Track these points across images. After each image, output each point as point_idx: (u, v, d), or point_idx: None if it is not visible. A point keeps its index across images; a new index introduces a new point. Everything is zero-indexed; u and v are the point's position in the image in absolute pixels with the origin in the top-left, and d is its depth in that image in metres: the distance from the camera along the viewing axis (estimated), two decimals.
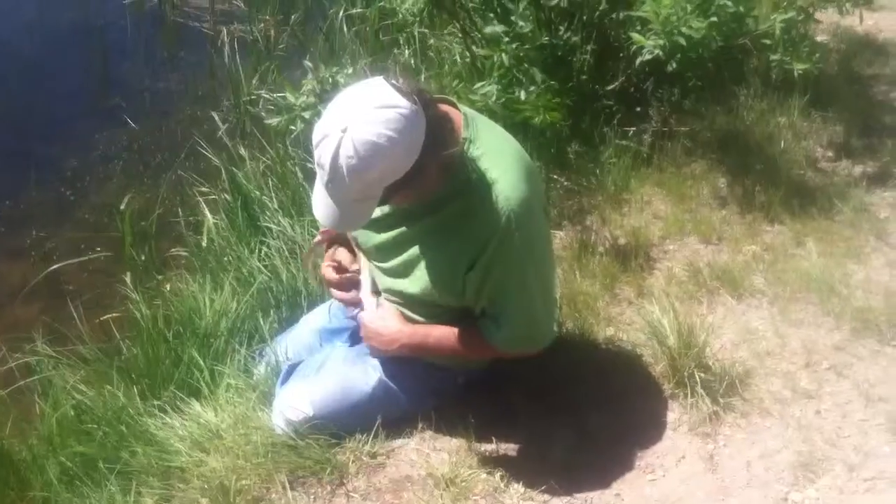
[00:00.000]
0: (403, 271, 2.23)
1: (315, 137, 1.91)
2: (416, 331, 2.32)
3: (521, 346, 2.28)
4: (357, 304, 2.42)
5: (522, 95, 3.29)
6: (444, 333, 2.29)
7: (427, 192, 2.08)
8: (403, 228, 2.20)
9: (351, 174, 1.87)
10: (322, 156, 1.89)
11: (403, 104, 1.88)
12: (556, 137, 3.53)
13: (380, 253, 2.28)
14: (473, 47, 3.87)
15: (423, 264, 2.19)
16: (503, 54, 3.33)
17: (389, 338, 2.34)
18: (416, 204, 2.13)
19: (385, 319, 2.34)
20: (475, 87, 3.37)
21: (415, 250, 2.20)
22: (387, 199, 2.01)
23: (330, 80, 3.49)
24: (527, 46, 3.43)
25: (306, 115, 3.43)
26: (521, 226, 2.07)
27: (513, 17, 3.48)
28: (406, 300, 2.30)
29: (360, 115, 1.86)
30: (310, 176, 2.53)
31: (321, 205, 1.99)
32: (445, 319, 2.29)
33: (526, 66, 3.39)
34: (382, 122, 1.86)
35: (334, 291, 2.46)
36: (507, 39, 3.43)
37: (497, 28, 3.48)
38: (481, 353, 2.36)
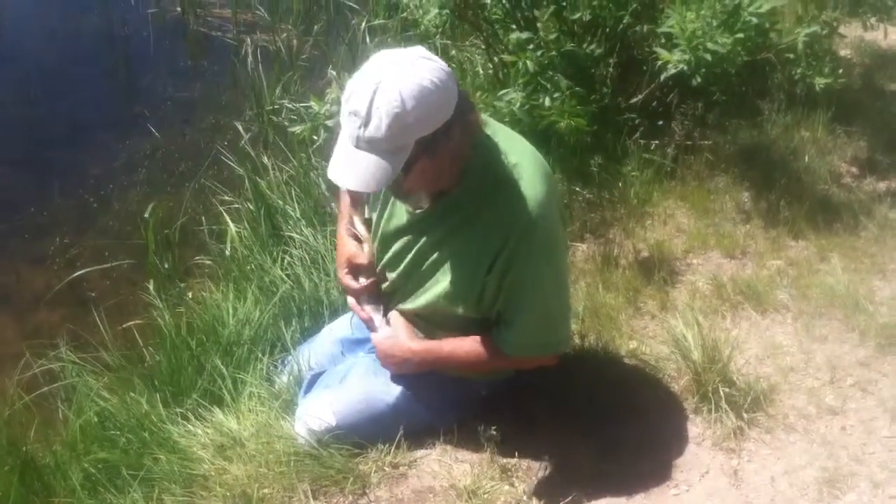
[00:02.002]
0: (422, 284, 2.24)
1: (352, 83, 1.88)
2: (427, 348, 2.32)
3: (535, 351, 2.27)
4: (370, 323, 2.40)
5: (547, 102, 3.29)
6: (455, 347, 2.29)
7: (443, 177, 2.05)
8: (422, 239, 2.20)
9: (389, 113, 1.83)
10: (361, 97, 1.85)
11: (441, 63, 1.91)
12: (578, 150, 3.53)
13: (397, 268, 2.27)
14: (496, 57, 3.88)
15: (442, 273, 2.19)
16: (527, 60, 3.33)
17: (401, 357, 2.35)
18: (431, 207, 2.11)
19: (395, 339, 2.35)
20: (500, 93, 3.37)
21: (433, 260, 2.20)
22: (412, 163, 1.93)
23: None
24: (552, 53, 3.43)
25: (330, 123, 3.45)
26: (540, 225, 2.07)
27: (538, 24, 3.49)
28: (425, 315, 2.30)
29: (405, 60, 1.87)
30: (333, 186, 2.53)
31: (343, 164, 1.92)
32: (462, 334, 2.28)
33: (550, 72, 3.40)
34: (425, 69, 1.87)
35: (352, 303, 2.44)
36: (531, 46, 3.43)
37: (522, 35, 3.48)
38: (494, 364, 2.32)
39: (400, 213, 2.23)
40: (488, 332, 2.26)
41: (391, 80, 1.84)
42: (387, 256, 2.30)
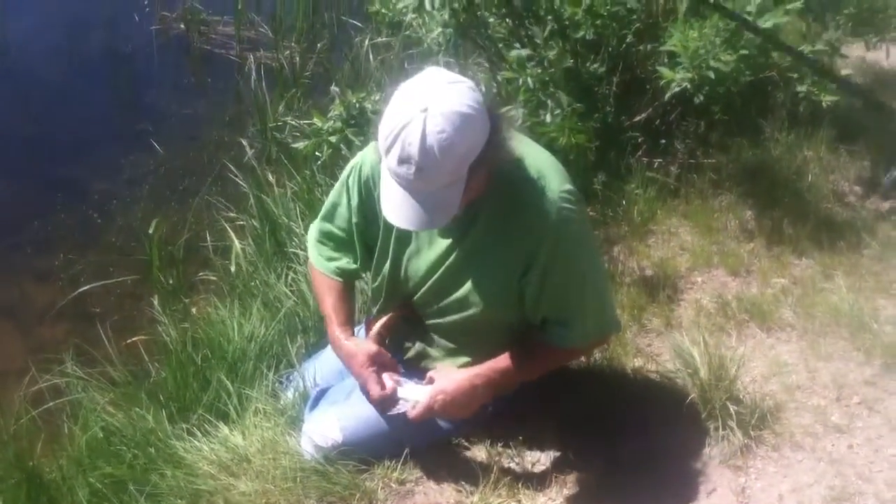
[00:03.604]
0: (452, 294, 2.23)
1: (391, 129, 1.86)
2: (485, 367, 2.24)
3: (592, 338, 2.29)
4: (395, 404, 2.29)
5: (548, 118, 3.31)
6: (509, 357, 2.24)
7: (483, 184, 2.04)
8: (450, 250, 2.19)
9: (443, 150, 1.84)
10: (409, 143, 1.84)
11: (466, 79, 1.92)
12: (581, 168, 3.54)
13: (424, 284, 2.26)
14: (499, 75, 3.90)
15: (474, 282, 2.18)
16: (528, 77, 3.35)
17: (466, 391, 2.23)
18: (462, 214, 2.08)
19: (448, 382, 2.23)
20: (501, 110, 3.37)
21: (463, 270, 2.19)
22: (467, 187, 1.94)
23: (357, 105, 3.54)
24: (551, 70, 3.45)
25: (333, 139, 3.47)
26: (572, 219, 2.09)
27: (538, 41, 3.51)
28: (454, 333, 2.29)
29: (436, 93, 1.86)
30: None
31: (404, 209, 1.93)
32: (501, 343, 2.27)
33: (551, 90, 3.41)
34: (460, 94, 1.88)
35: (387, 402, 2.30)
36: (532, 63, 3.45)
37: (522, 52, 3.50)
38: (552, 361, 2.32)
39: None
40: (520, 339, 2.26)
41: (435, 119, 1.84)
42: (411, 273, 2.29)
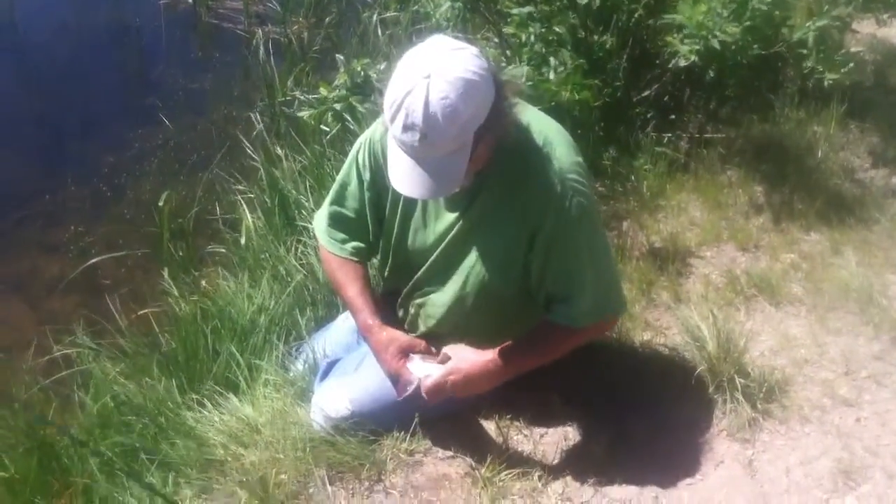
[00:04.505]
0: (456, 267, 2.23)
1: (395, 97, 1.86)
2: (500, 350, 2.21)
3: (599, 317, 2.24)
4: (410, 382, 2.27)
5: (551, 75, 3.28)
6: (524, 341, 2.23)
7: (489, 153, 2.03)
8: (458, 222, 2.18)
9: (447, 116, 1.84)
10: (412, 110, 1.84)
11: (470, 45, 1.91)
12: (588, 123, 3.48)
13: (430, 255, 2.26)
14: (504, 30, 3.86)
15: (479, 254, 2.18)
16: (531, 33, 3.32)
17: (481, 371, 2.20)
18: (468, 184, 2.07)
19: (464, 361, 2.21)
20: (505, 69, 3.35)
21: (469, 241, 2.19)
22: (473, 153, 1.93)
23: (361, 72, 3.54)
24: (556, 28, 3.42)
25: (338, 106, 3.46)
26: (577, 192, 2.07)
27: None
28: (457, 308, 2.28)
29: (440, 59, 1.86)
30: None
31: (411, 178, 1.93)
32: (504, 321, 2.27)
33: (554, 47, 3.39)
34: (464, 60, 1.87)
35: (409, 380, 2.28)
36: (536, 21, 3.43)
37: (523, 10, 3.48)
38: (567, 343, 2.27)
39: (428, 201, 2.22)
40: (526, 318, 2.25)
41: (439, 85, 1.83)
42: (418, 245, 2.28)
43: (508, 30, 3.50)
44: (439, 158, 1.91)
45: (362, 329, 2.37)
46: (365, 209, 2.35)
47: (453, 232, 2.20)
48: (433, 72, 1.84)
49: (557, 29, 3.48)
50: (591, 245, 2.16)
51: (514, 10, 3.52)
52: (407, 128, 1.87)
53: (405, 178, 1.95)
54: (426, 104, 1.83)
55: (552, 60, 3.34)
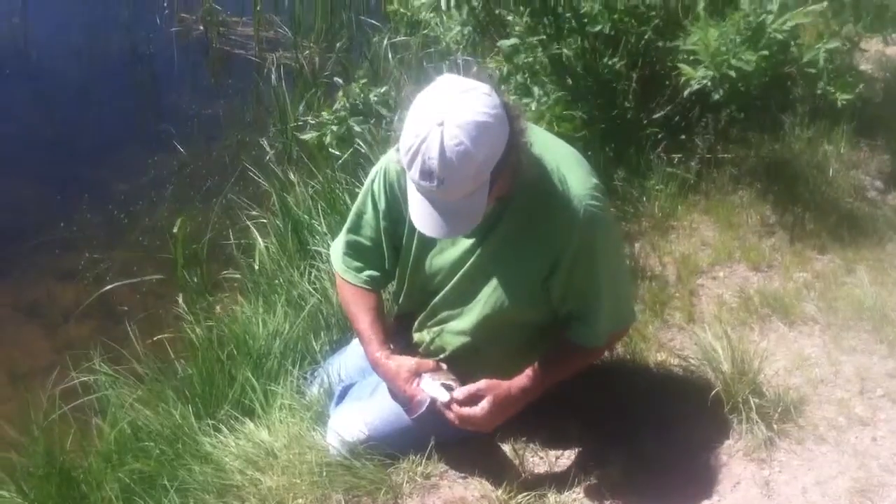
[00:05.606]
0: (475, 294, 2.24)
1: (410, 144, 1.89)
2: (527, 376, 2.23)
3: (617, 327, 2.31)
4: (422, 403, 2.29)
5: (533, 106, 3.31)
6: (545, 364, 2.25)
7: (509, 184, 2.06)
8: (476, 250, 2.20)
9: (463, 160, 1.86)
10: (429, 157, 1.86)
11: (480, 84, 1.93)
12: (600, 164, 3.53)
13: (448, 283, 2.28)
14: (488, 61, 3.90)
15: (500, 280, 2.19)
16: (507, 65, 3.35)
17: (514, 400, 2.23)
18: (487, 212, 2.08)
19: (497, 392, 2.22)
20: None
21: (488, 269, 2.20)
22: (491, 189, 1.96)
23: (361, 94, 3.58)
24: (539, 55, 3.44)
25: (335, 128, 3.52)
26: (600, 216, 2.10)
27: (517, 29, 3.50)
28: (481, 333, 2.28)
29: (450, 104, 1.88)
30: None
31: (431, 218, 1.97)
32: (521, 344, 2.29)
33: (540, 77, 3.41)
34: (474, 102, 1.89)
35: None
36: (522, 53, 3.46)
37: (507, 42, 3.51)
38: (587, 360, 2.34)
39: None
40: (547, 340, 2.27)
41: (452, 131, 1.85)
42: (434, 271, 2.30)
43: (490, 65, 3.54)
44: (458, 200, 1.94)
45: (371, 362, 2.40)
46: (381, 237, 2.37)
47: (472, 259, 2.21)
48: (446, 118, 1.86)
49: (566, 51, 3.52)
50: (610, 265, 2.20)
51: (500, 42, 3.56)
52: (425, 175, 1.89)
53: (426, 218, 1.98)
54: (441, 151, 1.85)
55: (536, 91, 3.37)
